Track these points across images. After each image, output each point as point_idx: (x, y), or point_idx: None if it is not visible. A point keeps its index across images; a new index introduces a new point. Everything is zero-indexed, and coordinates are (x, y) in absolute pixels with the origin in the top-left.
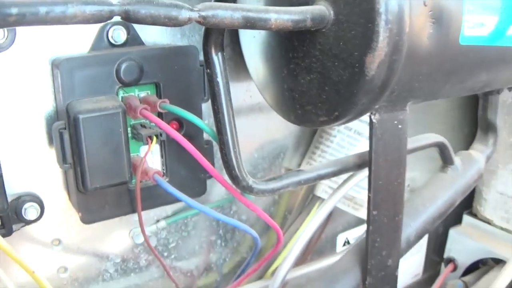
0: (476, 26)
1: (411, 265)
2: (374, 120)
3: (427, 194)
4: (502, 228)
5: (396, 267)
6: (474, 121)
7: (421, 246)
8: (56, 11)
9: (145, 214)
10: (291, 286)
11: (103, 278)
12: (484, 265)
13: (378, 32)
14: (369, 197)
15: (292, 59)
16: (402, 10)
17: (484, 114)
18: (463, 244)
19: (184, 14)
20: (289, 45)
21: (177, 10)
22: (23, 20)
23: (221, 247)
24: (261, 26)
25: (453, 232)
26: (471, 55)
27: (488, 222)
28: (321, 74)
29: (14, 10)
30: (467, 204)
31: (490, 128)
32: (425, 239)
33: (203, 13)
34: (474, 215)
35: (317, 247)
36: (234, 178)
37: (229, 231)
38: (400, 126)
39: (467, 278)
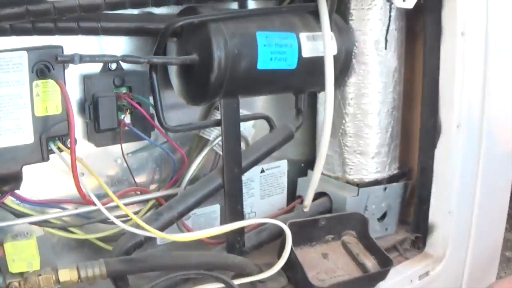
0: (267, 58)
1: (277, 201)
2: (221, 102)
3: (259, 144)
4: (326, 175)
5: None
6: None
7: (283, 189)
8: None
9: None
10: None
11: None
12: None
13: (214, 66)
14: (223, 143)
15: (183, 77)
16: (224, 54)
17: (296, 103)
18: (307, 187)
19: (144, 60)
20: (181, 72)
21: (136, 58)
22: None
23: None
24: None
25: (301, 180)
26: (265, 75)
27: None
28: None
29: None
30: (311, 164)
31: (299, 112)
32: (285, 185)
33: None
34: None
35: None
36: (161, 123)
37: (163, 161)
38: (235, 105)
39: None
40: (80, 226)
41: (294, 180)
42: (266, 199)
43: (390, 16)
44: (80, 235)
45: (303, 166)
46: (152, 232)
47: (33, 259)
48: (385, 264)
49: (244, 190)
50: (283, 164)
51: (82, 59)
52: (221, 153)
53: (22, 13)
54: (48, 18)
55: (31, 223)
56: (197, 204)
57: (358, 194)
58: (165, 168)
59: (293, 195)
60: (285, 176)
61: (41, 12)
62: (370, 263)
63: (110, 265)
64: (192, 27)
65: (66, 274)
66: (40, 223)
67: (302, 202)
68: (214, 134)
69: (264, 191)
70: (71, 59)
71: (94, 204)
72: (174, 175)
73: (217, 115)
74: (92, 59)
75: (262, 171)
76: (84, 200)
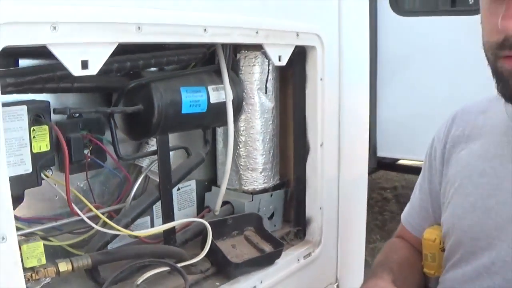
0: (187, 105)
1: (190, 211)
2: (157, 138)
3: (182, 167)
4: (227, 188)
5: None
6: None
7: (194, 202)
8: None
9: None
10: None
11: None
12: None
13: (155, 112)
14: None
15: (129, 121)
16: (161, 104)
17: (204, 136)
18: (212, 199)
19: (110, 110)
20: (127, 117)
21: (104, 109)
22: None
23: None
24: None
25: (207, 194)
26: (186, 117)
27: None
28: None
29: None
30: (213, 182)
31: (206, 142)
32: (195, 199)
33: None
34: (218, 186)
35: None
36: (117, 155)
37: (111, 183)
38: (166, 140)
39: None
40: (55, 236)
41: (201, 195)
42: (182, 211)
43: (268, 70)
44: (55, 242)
45: (206, 184)
46: (121, 230)
47: (41, 255)
48: (278, 246)
49: None
50: (193, 183)
51: (71, 110)
52: (151, 177)
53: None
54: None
55: (21, 235)
56: (144, 211)
57: (252, 200)
58: (112, 188)
59: (201, 206)
60: (194, 192)
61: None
62: (268, 248)
63: (93, 257)
64: (137, 86)
65: (64, 266)
66: (27, 235)
67: (209, 211)
68: (146, 163)
69: (180, 204)
70: (64, 111)
71: (78, 215)
72: (120, 193)
73: (149, 147)
74: (77, 111)
75: (178, 189)
76: (72, 212)
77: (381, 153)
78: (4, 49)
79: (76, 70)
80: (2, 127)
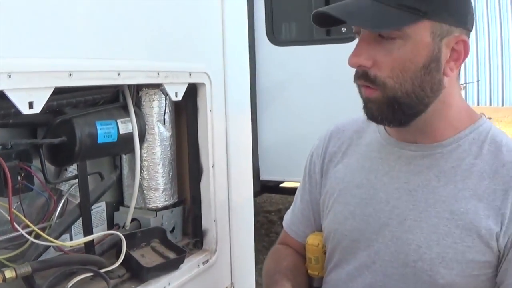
0: (102, 136)
1: (101, 229)
2: (78, 164)
3: (97, 189)
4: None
5: (90, 210)
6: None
7: (104, 221)
8: None
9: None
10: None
11: None
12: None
13: (77, 143)
14: (80, 189)
15: (53, 150)
16: (81, 136)
17: (113, 162)
18: (121, 217)
19: (41, 141)
20: (51, 147)
21: (37, 141)
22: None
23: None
24: None
25: (116, 213)
26: (101, 146)
27: (126, 206)
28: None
29: None
30: (120, 203)
31: (116, 167)
32: (105, 218)
33: None
34: (127, 206)
35: None
36: (46, 179)
37: (37, 204)
38: (85, 166)
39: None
40: None
41: (111, 215)
42: (95, 228)
43: (166, 104)
44: None
45: (114, 205)
46: (54, 241)
47: None
48: (182, 253)
49: None
50: (103, 204)
51: (11, 142)
52: (70, 199)
53: None
54: None
55: None
56: (69, 227)
57: (156, 216)
58: (38, 209)
59: (111, 224)
60: (104, 212)
61: None
62: (172, 255)
63: (33, 265)
64: (62, 121)
65: (9, 273)
66: None
67: (119, 227)
68: (65, 187)
69: (94, 223)
70: (5, 144)
71: (18, 230)
72: (45, 213)
73: (68, 174)
74: (16, 142)
75: (91, 209)
76: (12, 228)
77: (264, 176)
78: None
79: (24, 110)
80: None
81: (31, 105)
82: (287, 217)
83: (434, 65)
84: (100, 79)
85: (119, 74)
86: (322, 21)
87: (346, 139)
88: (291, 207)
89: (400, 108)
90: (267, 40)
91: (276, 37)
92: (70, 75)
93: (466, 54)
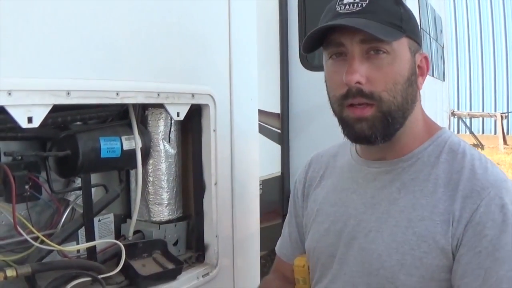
0: (105, 151)
1: (109, 239)
2: (82, 177)
3: (101, 201)
4: (139, 220)
5: (93, 220)
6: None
7: (112, 232)
8: None
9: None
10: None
11: None
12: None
13: (80, 157)
14: (83, 199)
15: (59, 162)
16: (85, 150)
17: (119, 176)
18: (127, 229)
19: (48, 154)
20: (57, 160)
21: (43, 153)
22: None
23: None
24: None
25: (123, 225)
26: (104, 161)
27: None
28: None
29: None
30: (128, 215)
31: (121, 181)
32: (113, 229)
33: None
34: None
35: None
36: (51, 189)
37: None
38: (89, 179)
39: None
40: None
41: (118, 226)
42: (102, 238)
43: (171, 123)
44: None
45: (122, 217)
46: (55, 246)
47: None
48: (179, 264)
49: None
50: (111, 216)
51: (16, 153)
52: (77, 208)
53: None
54: None
55: None
56: (72, 234)
57: (159, 229)
58: (46, 217)
59: (118, 235)
60: (112, 224)
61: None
62: (171, 266)
63: (33, 266)
64: (66, 135)
65: (10, 272)
66: None
67: (125, 238)
68: (72, 197)
69: (101, 233)
70: (12, 154)
71: (22, 235)
72: (52, 221)
73: (75, 185)
74: (21, 154)
75: (99, 220)
76: (16, 233)
77: None
78: None
79: (23, 124)
80: None
81: (30, 120)
82: (279, 241)
83: (413, 77)
84: (98, 98)
85: (117, 94)
86: (310, 46)
87: (324, 164)
88: (282, 232)
89: (393, 122)
90: (301, 65)
91: (309, 62)
92: (68, 93)
93: (428, 69)
